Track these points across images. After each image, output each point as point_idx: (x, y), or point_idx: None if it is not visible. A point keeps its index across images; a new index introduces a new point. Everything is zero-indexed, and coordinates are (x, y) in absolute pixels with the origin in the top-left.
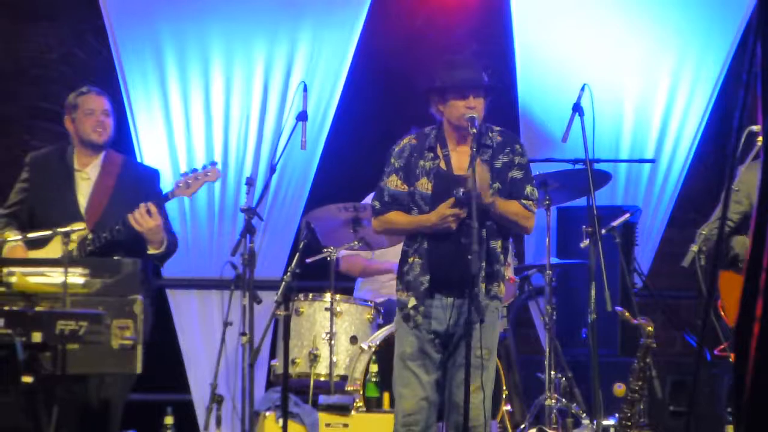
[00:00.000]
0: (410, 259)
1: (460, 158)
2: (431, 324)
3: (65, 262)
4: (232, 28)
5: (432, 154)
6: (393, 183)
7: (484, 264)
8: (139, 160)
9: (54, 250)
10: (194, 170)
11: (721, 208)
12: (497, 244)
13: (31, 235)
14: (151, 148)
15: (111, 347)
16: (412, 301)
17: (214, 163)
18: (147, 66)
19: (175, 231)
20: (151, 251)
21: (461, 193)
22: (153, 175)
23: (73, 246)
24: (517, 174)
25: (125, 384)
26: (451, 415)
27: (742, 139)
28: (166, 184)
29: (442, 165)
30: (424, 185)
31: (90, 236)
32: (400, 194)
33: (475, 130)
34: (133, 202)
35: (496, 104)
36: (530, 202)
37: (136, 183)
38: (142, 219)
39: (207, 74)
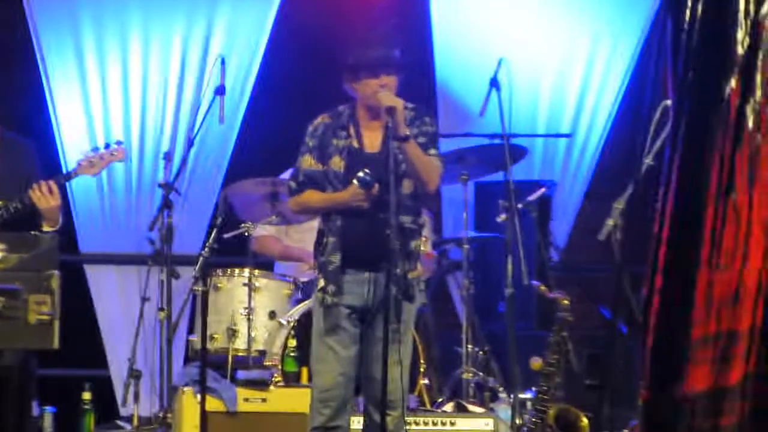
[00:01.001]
0: (324, 239)
1: (372, 136)
2: (346, 299)
3: None
4: (150, 1)
5: (345, 133)
6: (307, 162)
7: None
8: (56, 135)
9: None
10: (96, 149)
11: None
12: (406, 220)
13: None
14: (69, 122)
15: (28, 322)
16: (321, 282)
17: (119, 143)
18: (64, 39)
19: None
20: (45, 228)
21: (366, 175)
22: (31, 146)
23: None
24: (421, 139)
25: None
26: (369, 390)
27: (658, 113)
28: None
29: (354, 143)
30: (337, 163)
31: None
32: (315, 173)
33: (389, 120)
34: (15, 175)
35: (413, 79)
36: (434, 158)
37: (15, 155)
38: (44, 197)
39: (125, 47)
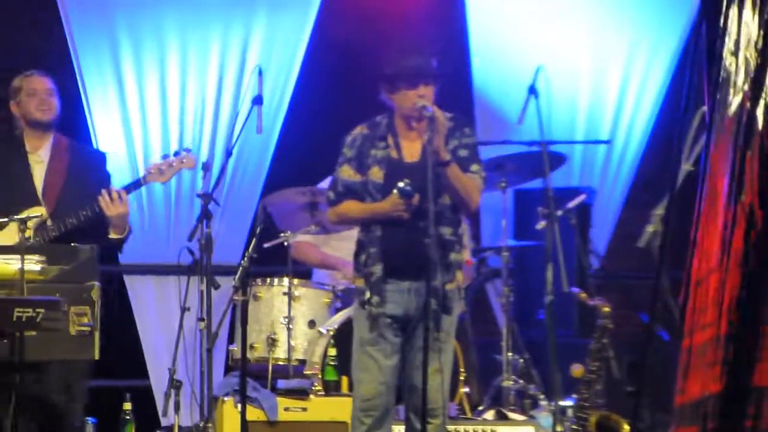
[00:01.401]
0: (365, 249)
1: (411, 146)
2: (388, 308)
3: (22, 249)
4: (187, 12)
5: (383, 143)
6: (346, 173)
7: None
8: (94, 146)
9: (8, 236)
10: (166, 156)
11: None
12: (446, 231)
13: None
14: (107, 134)
15: (69, 334)
16: (367, 294)
17: (189, 150)
18: (102, 51)
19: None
20: (113, 235)
21: (406, 186)
22: (101, 157)
23: (29, 233)
24: (462, 153)
25: (83, 372)
26: (410, 398)
27: (696, 120)
28: (119, 168)
29: (393, 153)
30: (376, 174)
31: (49, 222)
32: (354, 184)
33: (429, 114)
34: (85, 184)
35: (451, 87)
36: (476, 176)
37: (86, 166)
38: (113, 204)
39: (162, 59)
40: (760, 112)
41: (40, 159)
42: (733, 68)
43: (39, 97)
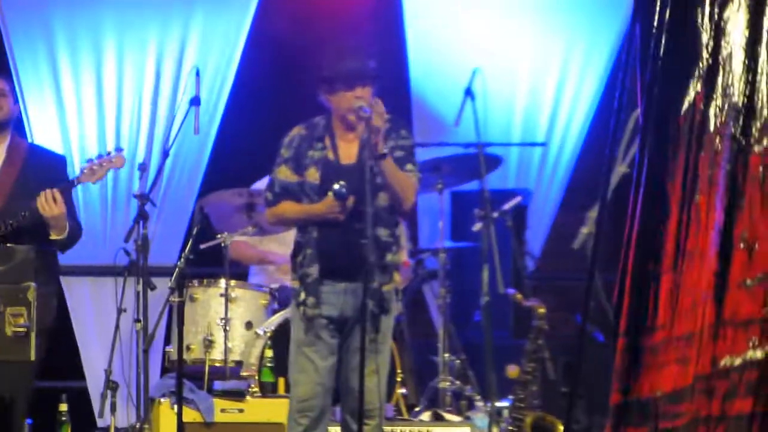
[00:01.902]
0: (302, 250)
1: (348, 147)
2: (324, 309)
3: None
4: (125, 11)
5: (320, 144)
6: (283, 173)
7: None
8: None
9: None
10: (100, 156)
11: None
12: (383, 233)
13: None
14: (43, 133)
15: (5, 334)
16: (302, 295)
17: (120, 149)
18: (38, 49)
19: (79, 218)
20: (53, 237)
21: (341, 188)
22: (59, 161)
23: None
24: (398, 153)
25: (23, 373)
26: (347, 400)
27: (631, 122)
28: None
29: (330, 155)
30: (313, 175)
31: None
32: (291, 185)
33: (366, 115)
34: (38, 188)
35: (388, 88)
36: (411, 174)
37: (41, 169)
38: (47, 205)
39: (99, 58)
40: (712, 112)
41: None
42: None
43: None
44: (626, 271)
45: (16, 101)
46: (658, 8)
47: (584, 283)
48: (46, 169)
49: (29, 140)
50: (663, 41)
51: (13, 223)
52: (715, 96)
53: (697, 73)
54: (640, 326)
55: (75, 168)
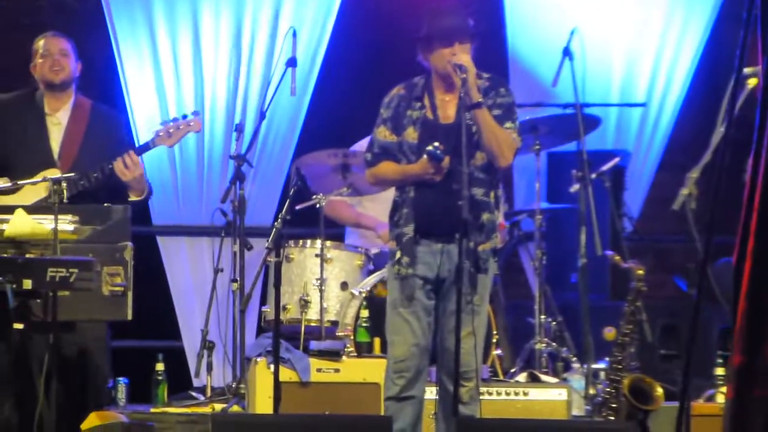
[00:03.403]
0: (398, 210)
1: (447, 107)
2: (419, 270)
3: (55, 208)
4: None
5: (419, 104)
6: (382, 134)
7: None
8: (128, 107)
9: (24, 197)
10: (175, 119)
11: (709, 152)
12: (479, 192)
13: (21, 182)
14: (140, 96)
15: (101, 294)
16: (397, 254)
17: (196, 113)
18: (135, 13)
19: (149, 179)
20: (132, 198)
21: (436, 149)
22: (122, 119)
23: (45, 194)
24: (496, 112)
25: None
26: (444, 361)
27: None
28: (150, 131)
29: (429, 114)
30: (411, 135)
31: (63, 183)
32: (390, 145)
33: (464, 75)
34: (105, 147)
35: (485, 49)
36: (510, 131)
37: (106, 128)
38: (126, 169)
39: (196, 20)
40: None
41: (57, 121)
42: None
43: (52, 57)
44: (747, 234)
45: (77, 60)
46: None
47: (683, 245)
48: (111, 126)
49: (127, 104)
50: None
51: (84, 183)
52: None
53: None
54: (764, 289)
55: None
